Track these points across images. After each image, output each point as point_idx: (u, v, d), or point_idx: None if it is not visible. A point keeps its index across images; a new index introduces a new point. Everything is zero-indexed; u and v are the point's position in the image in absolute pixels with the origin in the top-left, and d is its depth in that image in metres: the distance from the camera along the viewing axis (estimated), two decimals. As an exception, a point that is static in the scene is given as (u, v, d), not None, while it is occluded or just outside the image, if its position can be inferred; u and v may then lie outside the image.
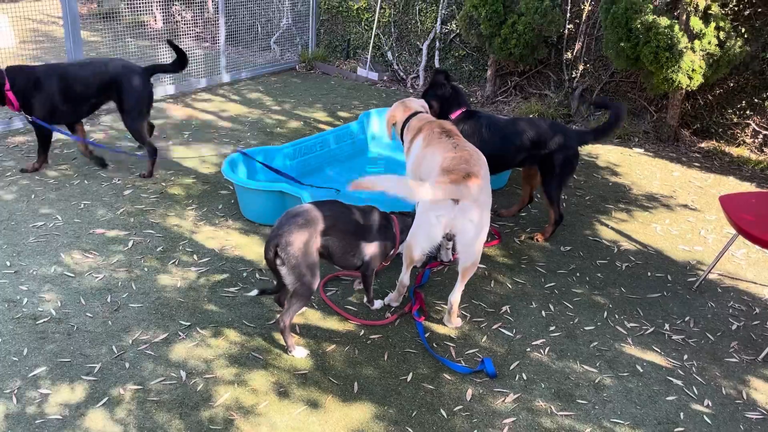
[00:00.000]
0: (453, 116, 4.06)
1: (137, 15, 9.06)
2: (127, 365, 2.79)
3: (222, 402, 2.62)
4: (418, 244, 3.02)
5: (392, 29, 8.11)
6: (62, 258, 3.58)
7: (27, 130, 5.40)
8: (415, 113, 3.62)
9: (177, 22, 9.31)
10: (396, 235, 3.20)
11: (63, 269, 3.47)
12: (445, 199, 2.88)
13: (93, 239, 3.80)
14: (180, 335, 3.01)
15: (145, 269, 3.54)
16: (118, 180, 4.63)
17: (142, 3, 8.44)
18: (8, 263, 3.49)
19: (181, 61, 4.82)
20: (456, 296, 3.13)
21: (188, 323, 3.10)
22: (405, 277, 3.25)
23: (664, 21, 5.34)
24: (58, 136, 4.92)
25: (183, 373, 2.77)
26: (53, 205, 4.17)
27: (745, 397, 2.86)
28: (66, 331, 2.98)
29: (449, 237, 2.98)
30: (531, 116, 5.65)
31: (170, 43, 4.86)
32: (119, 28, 8.34)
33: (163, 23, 9.31)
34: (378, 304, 3.33)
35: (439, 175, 2.97)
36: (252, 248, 3.84)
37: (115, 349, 2.89)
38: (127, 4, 8.75)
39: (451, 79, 4.24)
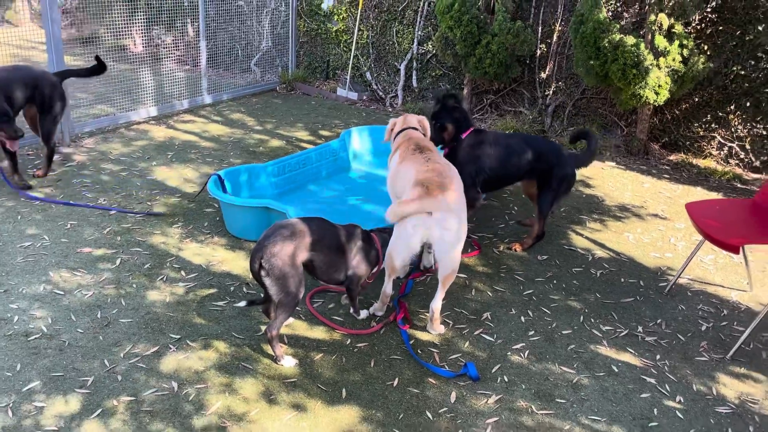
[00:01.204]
0: (464, 136, 4.24)
1: (117, 39, 9.15)
2: (119, 378, 2.86)
3: (214, 410, 2.70)
4: (398, 254, 3.15)
5: (370, 50, 8.30)
6: (51, 276, 3.63)
7: (10, 153, 5.45)
8: (405, 129, 3.75)
9: (157, 45, 9.41)
10: (378, 252, 3.32)
11: (52, 287, 3.53)
12: (421, 211, 3.02)
13: (80, 258, 3.86)
14: (170, 348, 3.09)
15: (134, 286, 3.61)
16: (104, 200, 4.69)
17: (122, 27, 8.55)
18: (-3, 282, 3.54)
19: (99, 69, 5.19)
20: (437, 303, 3.25)
21: (178, 336, 3.18)
22: (388, 287, 3.37)
23: (630, 40, 5.58)
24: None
25: (175, 384, 2.84)
26: (40, 226, 4.23)
27: (714, 393, 3.00)
28: (58, 347, 3.04)
29: (428, 247, 3.11)
30: (533, 135, 5.86)
31: (97, 57, 5.22)
32: (99, 52, 8.43)
33: (143, 47, 9.41)
34: (364, 314, 3.44)
35: (413, 187, 3.12)
36: (238, 263, 3.93)
37: (107, 362, 2.95)
38: (107, 28, 8.85)
39: (460, 101, 4.38)
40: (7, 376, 2.82)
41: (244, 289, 3.64)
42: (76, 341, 3.08)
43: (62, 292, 3.49)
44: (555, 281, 3.98)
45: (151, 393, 2.77)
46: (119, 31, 8.50)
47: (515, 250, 4.32)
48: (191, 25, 9.05)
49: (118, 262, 3.85)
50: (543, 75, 7.06)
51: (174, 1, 8.65)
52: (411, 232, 3.05)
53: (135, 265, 3.83)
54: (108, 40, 8.95)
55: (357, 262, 3.22)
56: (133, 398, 2.73)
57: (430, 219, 3.02)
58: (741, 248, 3.36)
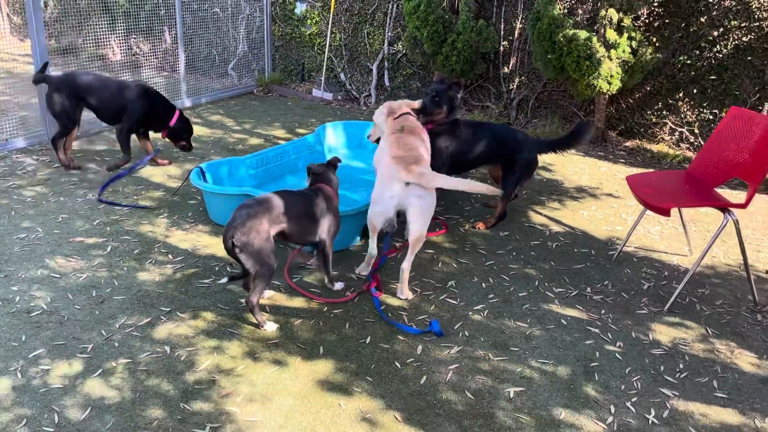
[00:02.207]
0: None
1: (95, 49, 9.40)
2: (116, 345, 3.15)
3: (204, 367, 3.01)
4: (375, 217, 3.62)
5: (343, 52, 8.65)
6: (47, 263, 3.92)
7: (-1, 156, 5.71)
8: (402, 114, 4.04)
9: (135, 54, 9.68)
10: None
11: (49, 272, 3.81)
12: (401, 180, 3.48)
13: (74, 246, 4.15)
14: (162, 319, 3.39)
15: (125, 269, 3.90)
16: (92, 196, 4.97)
17: (100, 37, 8.80)
18: (-3, 269, 3.82)
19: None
20: (406, 264, 3.63)
21: (168, 309, 3.48)
22: (372, 247, 3.78)
23: (583, 34, 5.99)
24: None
25: (167, 348, 3.14)
26: (33, 220, 4.50)
27: (651, 338, 3.38)
28: (58, 321, 3.32)
29: (400, 213, 3.53)
30: (499, 123, 6.21)
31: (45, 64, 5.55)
32: (78, 62, 8.69)
33: (122, 55, 9.66)
34: (339, 285, 3.76)
35: (391, 162, 3.55)
36: (221, 247, 4.20)
37: (104, 332, 3.25)
38: (84, 38, 9.10)
39: (460, 91, 4.56)
40: (14, 345, 3.11)
41: (228, 269, 3.95)
42: (74, 316, 3.37)
43: (58, 276, 3.77)
44: (514, 253, 4.34)
45: (147, 356, 3.08)
46: (98, 41, 8.76)
47: (479, 228, 4.68)
48: (168, 33, 9.34)
49: (109, 249, 4.14)
50: (506, 70, 7.46)
51: (151, 9, 8.94)
52: (387, 200, 3.52)
53: (125, 251, 4.12)
54: (87, 49, 9.21)
55: (326, 224, 3.56)
56: (129, 360, 3.04)
57: (406, 189, 3.48)
58: (674, 212, 3.73)
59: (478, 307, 3.63)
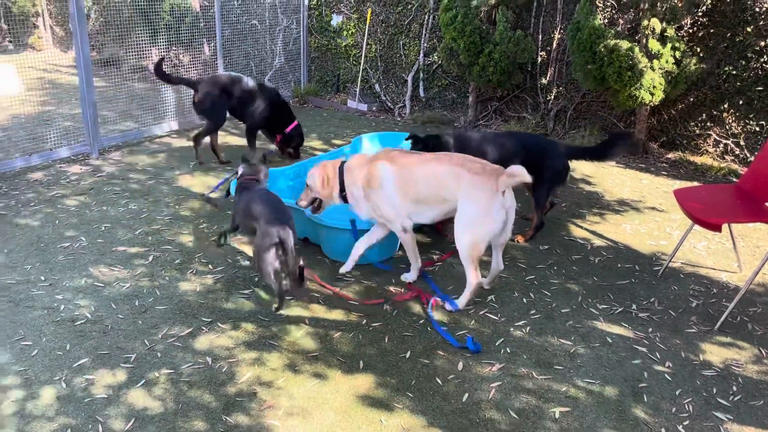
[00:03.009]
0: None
1: (136, 60, 9.60)
2: (159, 355, 3.17)
3: (245, 379, 3.01)
4: (486, 239, 3.54)
5: (378, 63, 8.68)
6: (91, 272, 3.98)
7: (44, 166, 5.84)
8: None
9: (175, 65, 9.85)
10: None
11: (93, 281, 3.87)
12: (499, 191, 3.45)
13: (116, 255, 4.21)
14: (203, 329, 3.40)
15: (167, 278, 3.94)
16: (134, 206, 5.04)
17: (141, 49, 8.99)
18: (43, 278, 3.88)
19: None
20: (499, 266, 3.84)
21: (209, 319, 3.50)
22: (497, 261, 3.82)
23: (624, 44, 5.89)
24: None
25: (209, 359, 3.15)
26: (77, 229, 4.58)
27: (701, 359, 3.26)
28: (102, 330, 3.36)
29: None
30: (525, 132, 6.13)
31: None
32: (120, 73, 8.89)
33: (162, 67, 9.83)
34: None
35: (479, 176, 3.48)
36: (261, 258, 4.25)
37: (146, 342, 3.27)
38: (126, 50, 9.30)
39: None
40: (58, 354, 3.15)
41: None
42: (117, 325, 3.41)
43: (102, 285, 3.82)
44: (555, 267, 4.26)
45: (188, 366, 3.09)
46: (139, 53, 8.95)
47: (518, 242, 4.60)
48: (207, 45, 9.48)
49: (150, 258, 4.18)
50: (544, 81, 7.38)
51: (191, 22, 9.10)
52: (498, 216, 3.46)
53: (166, 260, 4.16)
54: (128, 60, 9.42)
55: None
56: (172, 371, 3.05)
57: (506, 198, 3.49)
58: (724, 227, 3.62)
59: (520, 323, 3.56)
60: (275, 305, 3.58)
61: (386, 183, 3.69)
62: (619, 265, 4.31)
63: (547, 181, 4.48)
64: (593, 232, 4.85)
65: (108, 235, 4.51)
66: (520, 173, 3.34)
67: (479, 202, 3.44)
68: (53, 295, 3.69)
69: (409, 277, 3.98)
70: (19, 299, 3.61)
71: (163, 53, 9.68)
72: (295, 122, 6.17)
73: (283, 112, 6.13)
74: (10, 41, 11.67)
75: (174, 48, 9.82)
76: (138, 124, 7.22)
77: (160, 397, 2.87)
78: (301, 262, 3.51)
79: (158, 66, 5.83)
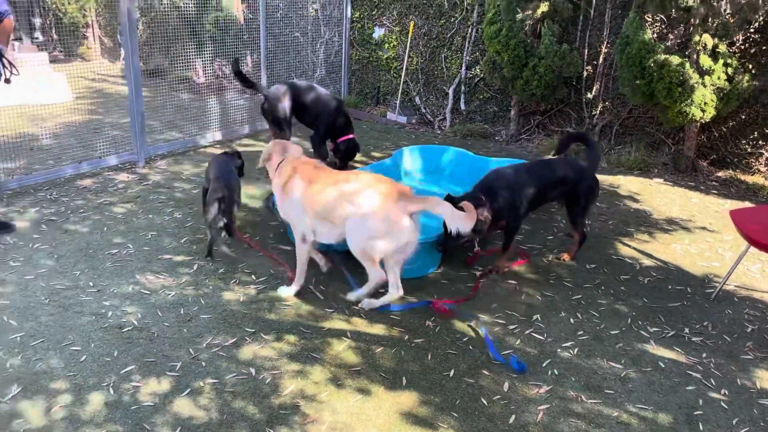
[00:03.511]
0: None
1: (181, 71, 9.80)
2: (203, 364, 3.19)
3: (288, 392, 2.99)
4: (385, 252, 3.61)
5: (419, 76, 8.67)
6: (138, 279, 4.03)
7: (93, 173, 5.98)
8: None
9: (218, 76, 10.02)
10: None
11: (139, 288, 3.92)
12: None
13: (162, 263, 4.26)
14: (247, 339, 3.41)
15: (211, 287, 3.96)
16: (179, 214, 5.11)
17: (185, 60, 9.18)
18: (91, 284, 3.95)
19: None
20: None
21: (253, 330, 3.50)
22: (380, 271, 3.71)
23: (675, 59, 5.76)
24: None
25: (252, 370, 3.15)
26: (124, 236, 4.66)
27: (758, 386, 3.13)
28: (148, 338, 3.39)
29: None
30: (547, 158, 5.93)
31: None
32: (165, 83, 9.07)
33: (205, 78, 10.03)
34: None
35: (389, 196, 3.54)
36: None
37: (191, 351, 3.29)
38: (171, 61, 9.50)
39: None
40: (107, 360, 3.18)
41: (311, 287, 3.95)
42: (163, 333, 3.44)
43: (148, 292, 3.87)
44: (603, 287, 4.15)
45: (233, 377, 3.09)
46: (185, 64, 9.14)
47: (564, 260, 4.51)
48: (250, 57, 9.63)
49: (195, 267, 4.22)
50: (589, 95, 7.27)
51: (235, 34, 9.25)
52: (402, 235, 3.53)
53: (211, 270, 4.19)
54: (174, 71, 9.62)
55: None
56: (216, 380, 3.06)
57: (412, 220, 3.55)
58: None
59: (567, 344, 3.47)
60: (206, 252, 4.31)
61: (296, 194, 3.77)
62: (670, 287, 4.18)
63: (582, 205, 4.35)
64: (642, 252, 4.72)
65: (154, 242, 4.57)
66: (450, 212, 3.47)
67: (385, 218, 3.47)
68: (101, 301, 3.74)
69: (289, 291, 3.89)
70: (68, 304, 3.68)
71: (206, 64, 9.87)
72: (350, 135, 6.22)
73: (342, 122, 6.21)
74: (61, 51, 12.04)
75: (218, 59, 10.00)
76: (183, 133, 7.34)
77: (205, 406, 2.87)
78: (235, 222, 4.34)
79: (235, 65, 6.07)
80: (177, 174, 6.13)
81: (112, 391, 2.95)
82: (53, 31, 12.14)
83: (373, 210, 3.49)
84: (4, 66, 4.61)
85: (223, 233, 4.31)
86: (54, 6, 11.43)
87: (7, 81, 4.66)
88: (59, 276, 4.01)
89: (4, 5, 4.51)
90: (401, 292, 3.74)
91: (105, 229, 4.78)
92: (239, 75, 6.04)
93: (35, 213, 4.98)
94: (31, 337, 3.33)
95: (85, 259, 4.28)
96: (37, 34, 11.87)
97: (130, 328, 3.47)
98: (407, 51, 8.57)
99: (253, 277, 4.12)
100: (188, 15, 9.49)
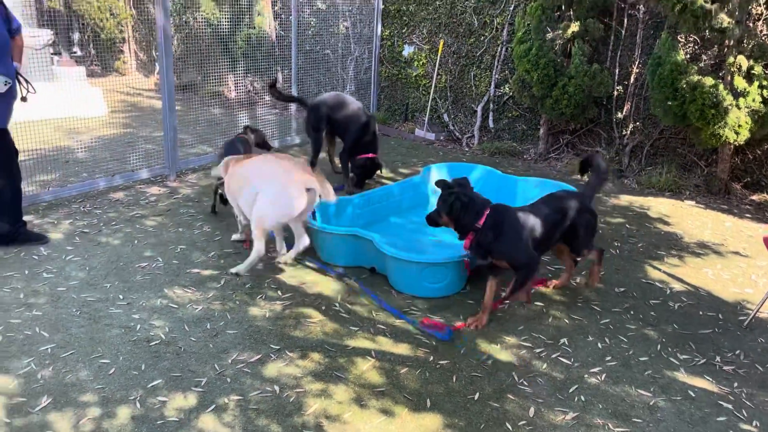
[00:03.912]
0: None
1: (213, 86, 9.98)
2: (228, 380, 3.21)
3: (312, 411, 2.99)
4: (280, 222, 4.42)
5: (448, 93, 8.69)
6: (166, 292, 4.08)
7: (125, 186, 6.09)
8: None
9: (249, 92, 10.17)
10: None
11: (168, 301, 3.97)
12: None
13: (190, 277, 4.31)
14: (272, 356, 3.42)
15: (237, 302, 4.00)
16: (208, 228, 5.18)
17: (218, 75, 9.35)
18: (121, 297, 4.02)
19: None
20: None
21: (278, 347, 3.52)
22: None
23: (708, 81, 5.68)
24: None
25: (277, 388, 3.16)
26: (154, 249, 4.73)
27: (794, 420, 3.04)
28: (175, 352, 3.43)
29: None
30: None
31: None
32: (197, 98, 9.24)
33: (236, 93, 10.18)
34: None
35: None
36: (328, 285, 4.27)
37: (217, 366, 3.32)
38: (203, 77, 9.68)
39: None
40: (134, 374, 3.23)
41: (336, 305, 3.96)
42: (190, 348, 3.48)
43: (176, 306, 3.92)
44: (632, 312, 4.08)
45: (257, 394, 3.10)
46: (217, 79, 9.30)
47: (592, 286, 4.35)
48: (281, 73, 9.76)
49: (222, 281, 4.27)
50: (620, 115, 7.20)
51: (266, 50, 9.40)
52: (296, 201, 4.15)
53: (237, 284, 4.23)
54: (206, 86, 9.80)
55: None
56: (241, 397, 3.07)
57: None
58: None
59: (595, 370, 3.42)
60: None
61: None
62: (701, 313, 4.09)
63: (581, 235, 4.02)
64: (672, 276, 4.64)
65: (183, 256, 4.63)
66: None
67: (282, 187, 4.13)
68: (130, 314, 3.80)
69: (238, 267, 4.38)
70: (98, 317, 3.74)
71: (238, 80, 10.03)
72: (371, 155, 6.20)
73: (368, 139, 6.22)
74: (98, 65, 12.35)
75: (249, 75, 10.15)
76: (213, 148, 7.45)
77: (229, 423, 2.89)
78: None
79: (272, 85, 6.39)
80: (207, 188, 6.22)
81: (138, 405, 2.99)
82: (91, 46, 12.46)
83: (274, 185, 4.16)
84: (20, 84, 4.54)
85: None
86: (93, 22, 11.74)
87: (24, 99, 4.58)
88: (90, 288, 4.09)
89: (16, 21, 4.51)
90: (307, 241, 4.39)
91: (135, 242, 4.86)
92: (275, 93, 6.30)
93: (69, 225, 5.10)
94: (61, 349, 3.40)
95: (115, 271, 4.36)
96: (76, 49, 12.20)
97: (157, 342, 3.51)
98: (436, 69, 8.61)
99: (279, 292, 4.15)
100: (222, 32, 9.67)
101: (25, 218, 4.87)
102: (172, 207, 5.64)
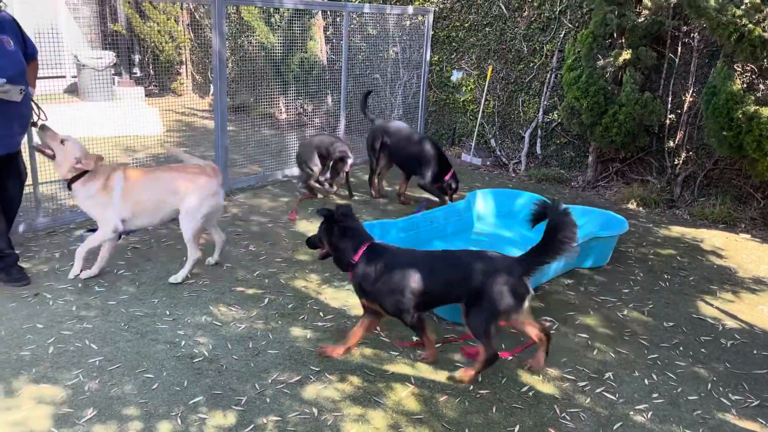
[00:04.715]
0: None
1: (264, 108, 10.22)
2: (268, 400, 3.24)
3: (349, 436, 2.99)
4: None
5: (496, 119, 8.67)
6: (211, 309, 4.16)
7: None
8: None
9: (299, 114, 10.38)
10: None
11: (212, 319, 4.05)
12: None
13: (235, 296, 4.39)
14: (311, 378, 3.44)
15: (279, 322, 4.05)
16: (253, 247, 5.27)
17: (270, 97, 9.56)
18: (167, 312, 4.11)
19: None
20: None
21: (318, 369, 3.53)
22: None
23: (766, 111, 5.51)
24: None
25: (315, 410, 3.17)
26: (201, 266, 4.84)
27: None
28: (217, 369, 3.49)
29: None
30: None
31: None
32: (248, 119, 9.47)
33: (287, 115, 10.40)
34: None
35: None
36: (370, 310, 4.27)
37: (257, 386, 3.35)
38: (256, 98, 9.92)
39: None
40: (176, 390, 3.29)
41: (376, 330, 3.96)
42: (232, 366, 3.53)
43: (220, 324, 3.99)
44: (681, 348, 3.95)
45: (295, 415, 3.12)
46: (268, 101, 9.52)
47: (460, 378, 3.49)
48: (330, 96, 9.93)
49: (266, 301, 4.33)
50: (672, 144, 7.03)
51: (317, 74, 9.59)
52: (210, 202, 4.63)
53: (280, 304, 4.29)
54: (258, 108, 10.03)
55: None
56: (279, 418, 3.09)
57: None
58: None
59: (641, 407, 3.31)
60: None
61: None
62: (755, 352, 3.92)
63: (478, 314, 3.32)
64: (725, 312, 4.47)
65: (228, 275, 4.72)
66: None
67: (199, 196, 4.51)
68: (176, 330, 3.89)
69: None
70: (145, 331, 3.84)
71: (289, 102, 10.25)
72: (452, 171, 6.45)
73: (443, 159, 6.47)
74: (156, 86, 12.82)
75: (299, 97, 10.37)
76: (262, 168, 7.61)
77: (266, 444, 2.91)
78: None
79: (364, 97, 7.15)
80: (255, 208, 6.34)
81: (179, 422, 3.04)
82: (150, 68, 12.96)
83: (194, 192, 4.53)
84: (32, 109, 4.50)
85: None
86: (153, 44, 12.22)
87: (34, 124, 4.53)
88: (139, 303, 4.20)
89: (32, 46, 4.51)
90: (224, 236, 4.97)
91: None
92: (363, 107, 7.13)
93: (122, 240, 5.26)
94: (108, 362, 3.49)
95: (163, 287, 4.47)
96: (136, 70, 12.71)
97: (200, 359, 3.58)
98: (484, 94, 8.61)
99: (321, 314, 4.18)
100: (275, 55, 9.92)
101: (80, 232, 5.06)
102: (220, 225, 5.75)
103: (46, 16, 10.81)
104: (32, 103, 4.51)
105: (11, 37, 4.26)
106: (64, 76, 11.51)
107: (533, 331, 3.47)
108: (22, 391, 3.21)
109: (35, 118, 4.57)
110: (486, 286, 3.29)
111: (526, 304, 3.35)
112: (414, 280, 3.39)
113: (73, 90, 11.57)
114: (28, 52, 4.45)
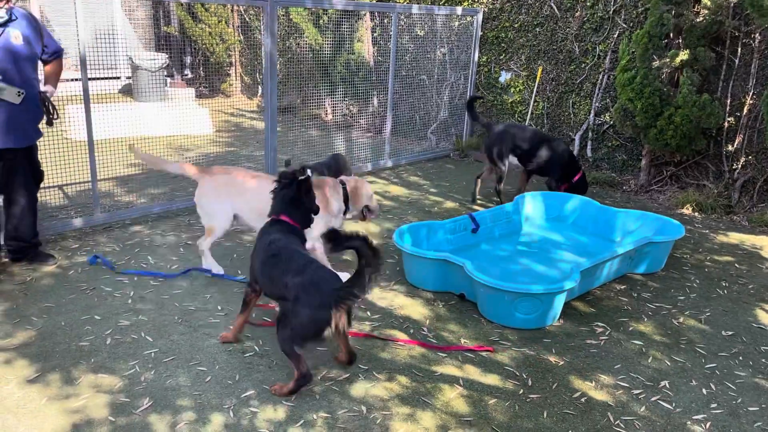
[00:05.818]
0: None
1: (311, 109, 10.32)
2: (317, 397, 3.26)
3: (398, 435, 2.98)
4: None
5: (545, 120, 8.54)
6: (260, 305, 4.21)
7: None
8: None
9: (345, 115, 10.44)
10: None
11: (262, 314, 4.09)
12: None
13: (284, 293, 4.43)
14: (360, 376, 3.45)
15: (328, 320, 4.06)
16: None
17: (317, 98, 9.66)
18: (219, 307, 4.18)
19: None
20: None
21: (366, 367, 3.54)
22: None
23: (833, 113, 5.27)
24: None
25: (363, 408, 3.17)
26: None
27: None
28: (267, 365, 3.53)
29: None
30: None
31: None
32: (296, 119, 9.58)
33: (333, 116, 10.47)
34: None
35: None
36: (416, 309, 4.26)
37: (307, 382, 3.38)
38: (303, 99, 10.02)
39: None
40: (229, 383, 3.34)
41: (424, 329, 3.94)
42: (282, 362, 3.55)
43: (270, 319, 4.03)
44: (741, 358, 3.81)
45: (344, 412, 3.13)
46: (315, 102, 9.62)
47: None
48: (376, 97, 9.95)
49: (314, 299, 4.35)
50: (731, 148, 6.80)
51: (364, 75, 9.63)
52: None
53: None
54: (305, 109, 10.14)
55: None
56: (329, 415, 3.11)
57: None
58: None
59: (698, 417, 3.20)
60: None
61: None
62: (821, 365, 3.76)
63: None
64: (787, 322, 4.29)
65: (277, 272, 4.77)
66: None
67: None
68: (228, 324, 3.95)
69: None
70: (198, 325, 3.92)
71: (335, 103, 10.32)
72: (581, 172, 6.50)
73: (573, 161, 6.55)
74: (206, 87, 13.09)
75: (346, 99, 10.43)
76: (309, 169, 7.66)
77: (316, 440, 2.93)
78: None
79: (471, 102, 7.30)
80: (302, 207, 6.40)
81: (231, 414, 3.09)
82: (201, 69, 13.24)
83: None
84: (45, 108, 4.43)
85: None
86: (204, 46, 12.48)
87: (49, 123, 4.48)
88: (192, 298, 4.29)
89: (55, 46, 4.47)
90: None
91: (234, 255, 5.07)
92: (471, 110, 7.18)
93: (174, 237, 5.39)
94: (163, 354, 3.58)
95: (215, 282, 4.55)
96: (187, 71, 13.01)
97: (251, 354, 3.63)
98: (533, 95, 8.49)
99: (368, 313, 4.18)
100: (323, 56, 10.01)
101: (136, 228, 5.20)
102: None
103: (104, 19, 11.16)
104: (48, 104, 4.43)
105: (22, 32, 4.19)
106: (119, 77, 11.86)
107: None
108: (81, 380, 3.31)
109: (50, 117, 4.46)
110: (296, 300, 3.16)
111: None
112: (254, 263, 3.58)
113: (127, 90, 11.91)
114: (48, 50, 4.42)
